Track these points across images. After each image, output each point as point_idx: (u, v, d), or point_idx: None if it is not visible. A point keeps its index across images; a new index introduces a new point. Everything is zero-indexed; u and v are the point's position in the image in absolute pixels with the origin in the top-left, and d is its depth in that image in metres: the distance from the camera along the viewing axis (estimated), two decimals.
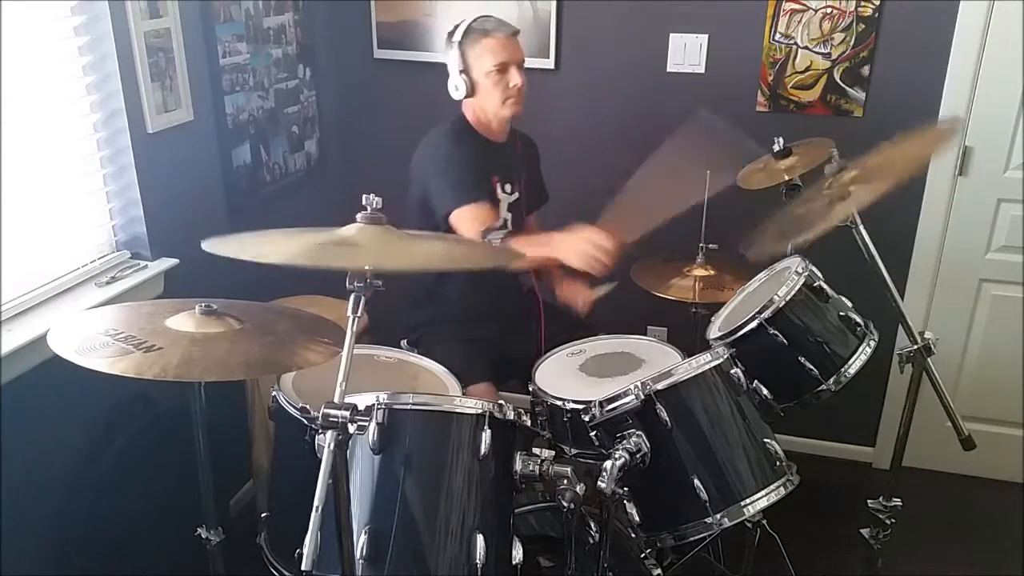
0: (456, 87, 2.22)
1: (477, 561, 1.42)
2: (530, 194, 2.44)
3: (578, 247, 1.94)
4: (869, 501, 1.93)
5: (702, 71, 2.81)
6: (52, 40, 1.97)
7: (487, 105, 2.24)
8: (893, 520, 1.91)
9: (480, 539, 1.43)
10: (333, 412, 1.16)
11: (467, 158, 2.22)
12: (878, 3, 2.60)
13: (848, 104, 2.72)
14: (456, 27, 2.21)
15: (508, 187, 2.35)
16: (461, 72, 2.20)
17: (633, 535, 1.77)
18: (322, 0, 2.96)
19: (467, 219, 2.12)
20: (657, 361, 1.99)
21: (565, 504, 1.51)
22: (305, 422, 1.27)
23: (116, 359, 1.33)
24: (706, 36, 2.77)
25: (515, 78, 2.19)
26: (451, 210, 2.15)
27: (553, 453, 1.54)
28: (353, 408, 1.16)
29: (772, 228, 1.81)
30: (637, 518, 1.66)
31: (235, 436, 2.51)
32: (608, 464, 1.55)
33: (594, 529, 1.75)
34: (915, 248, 2.82)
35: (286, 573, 1.62)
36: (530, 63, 2.29)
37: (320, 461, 1.16)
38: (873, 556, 1.96)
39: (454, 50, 2.20)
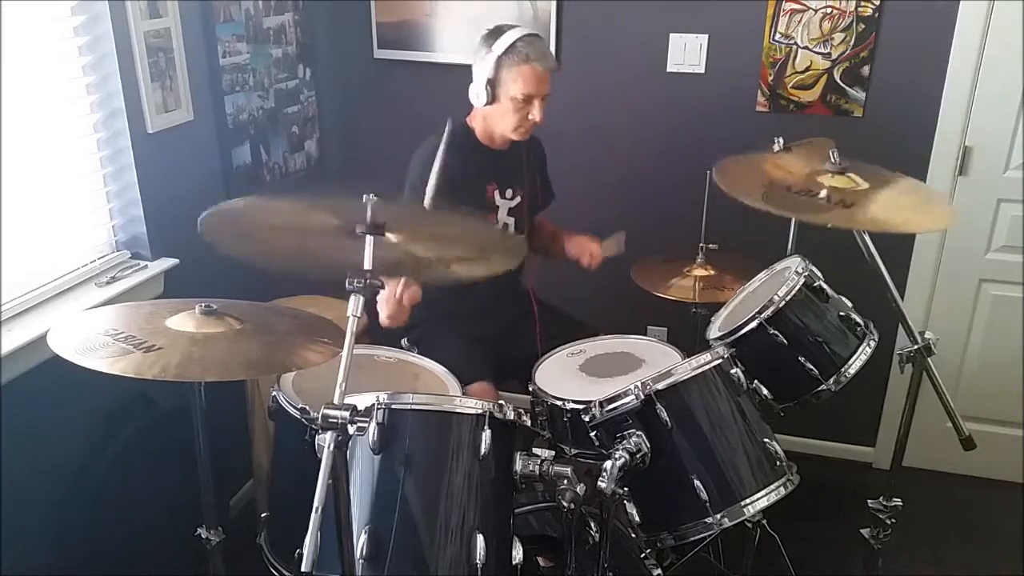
0: (478, 95, 2.17)
1: (477, 561, 1.42)
2: (537, 195, 2.44)
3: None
4: (869, 501, 1.92)
5: (702, 71, 2.81)
6: (52, 40, 1.97)
7: (498, 122, 2.22)
8: (893, 520, 1.91)
9: (480, 539, 1.43)
10: (333, 412, 1.16)
11: (451, 167, 2.17)
12: (878, 3, 2.59)
13: (848, 104, 2.72)
14: (500, 33, 2.13)
15: (509, 192, 2.34)
16: (488, 83, 2.14)
17: (633, 535, 1.77)
18: (322, 0, 2.96)
19: None
20: (657, 361, 1.99)
21: (565, 504, 1.51)
22: (305, 422, 1.27)
23: (116, 359, 1.34)
24: (706, 36, 2.77)
25: (536, 113, 2.15)
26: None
27: (553, 453, 1.54)
28: (353, 408, 1.16)
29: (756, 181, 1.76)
30: (637, 518, 1.66)
31: (235, 436, 2.51)
32: (608, 464, 1.55)
33: (594, 529, 1.75)
34: (915, 248, 2.82)
35: (286, 573, 1.62)
36: None
37: (320, 461, 1.16)
38: (873, 556, 1.96)
39: (490, 57, 2.12)
